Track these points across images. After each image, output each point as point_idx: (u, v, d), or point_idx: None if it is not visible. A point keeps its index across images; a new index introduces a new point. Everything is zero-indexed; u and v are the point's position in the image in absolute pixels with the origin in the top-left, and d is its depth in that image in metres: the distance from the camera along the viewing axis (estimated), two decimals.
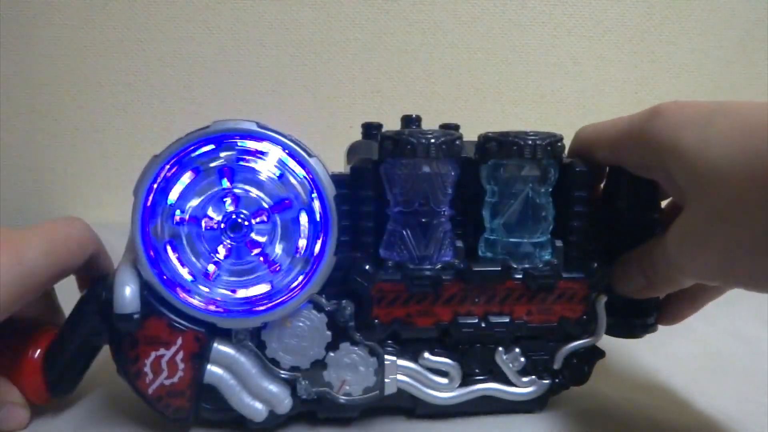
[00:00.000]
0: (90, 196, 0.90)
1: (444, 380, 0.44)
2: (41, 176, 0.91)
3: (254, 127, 0.40)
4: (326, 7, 0.87)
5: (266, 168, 0.40)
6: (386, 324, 0.43)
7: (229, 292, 0.41)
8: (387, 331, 0.42)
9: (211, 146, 0.40)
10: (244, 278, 0.41)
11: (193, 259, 0.40)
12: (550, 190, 0.46)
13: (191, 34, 0.86)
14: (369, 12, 0.87)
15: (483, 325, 0.44)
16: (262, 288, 0.41)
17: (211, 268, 0.41)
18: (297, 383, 0.43)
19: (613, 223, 0.46)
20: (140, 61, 0.85)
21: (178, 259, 0.40)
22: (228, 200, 0.40)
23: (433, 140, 0.43)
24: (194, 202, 0.40)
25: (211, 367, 0.42)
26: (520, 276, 0.44)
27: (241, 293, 0.41)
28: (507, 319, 0.44)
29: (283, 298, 0.41)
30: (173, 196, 0.40)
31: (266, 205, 0.41)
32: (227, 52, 0.86)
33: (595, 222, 0.46)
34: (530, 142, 0.43)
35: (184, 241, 0.40)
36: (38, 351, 0.41)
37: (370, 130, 0.52)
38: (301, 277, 0.41)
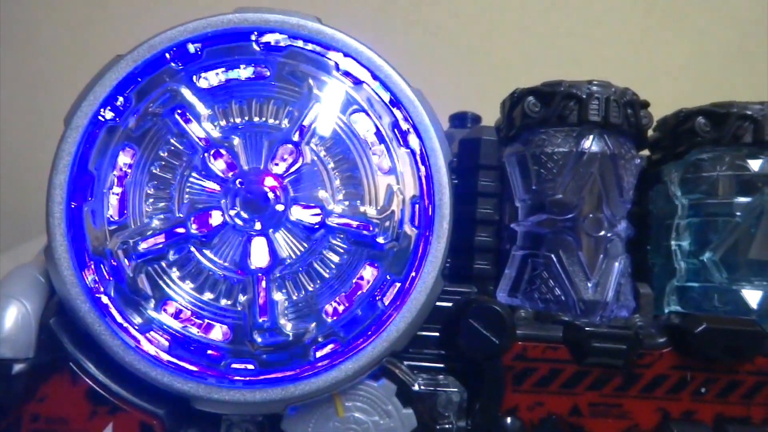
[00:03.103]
0: None
1: None
2: (41, 176, 0.85)
3: (314, 24, 0.21)
4: (326, 8, 0.83)
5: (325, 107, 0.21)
6: (532, 426, 0.22)
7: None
8: None
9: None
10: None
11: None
12: None
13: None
14: (369, 12, 0.84)
15: None
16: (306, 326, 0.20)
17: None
18: None
19: None
20: None
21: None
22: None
23: (613, 97, 0.24)
24: None
25: None
26: None
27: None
28: None
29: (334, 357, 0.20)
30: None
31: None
32: None
33: None
34: None
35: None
36: None
37: (464, 121, 0.34)
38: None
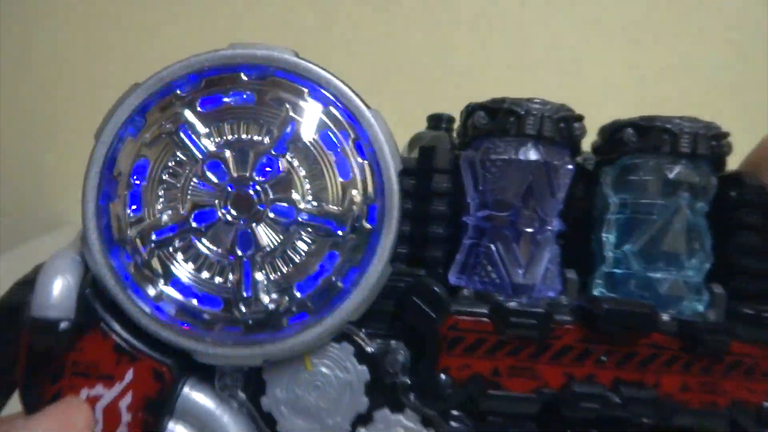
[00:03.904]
0: None
1: None
2: (41, 176, 0.88)
3: (290, 57, 0.26)
4: (326, 8, 0.85)
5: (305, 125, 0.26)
6: (459, 382, 0.27)
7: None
8: (459, 395, 0.27)
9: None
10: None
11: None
12: (706, 210, 0.31)
13: (192, 33, 0.84)
14: (369, 12, 0.86)
15: (613, 399, 0.27)
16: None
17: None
18: None
19: None
20: (140, 61, 0.86)
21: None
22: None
23: (548, 113, 0.29)
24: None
25: (176, 427, 0.25)
26: (674, 328, 0.28)
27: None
28: (652, 394, 0.27)
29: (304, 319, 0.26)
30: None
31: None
32: None
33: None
34: (688, 130, 0.29)
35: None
36: None
37: (439, 122, 0.38)
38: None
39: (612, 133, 0.32)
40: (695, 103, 0.88)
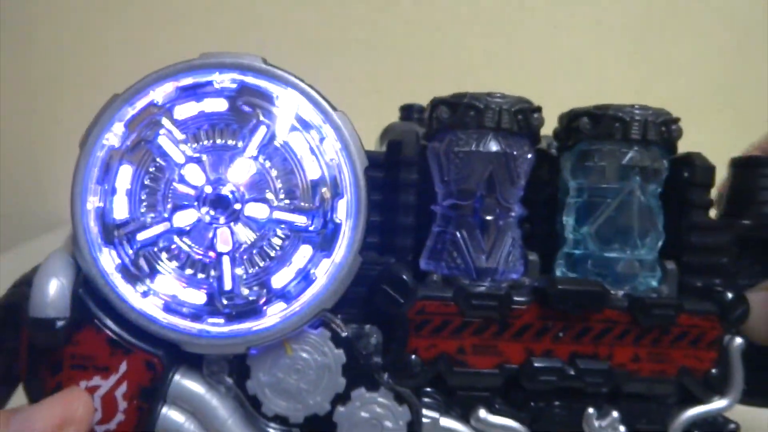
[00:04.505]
0: None
1: None
2: (41, 176, 0.89)
3: (259, 64, 0.28)
4: (326, 8, 0.86)
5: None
6: (428, 361, 0.30)
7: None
8: (428, 373, 0.29)
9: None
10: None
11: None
12: (659, 191, 0.33)
13: (192, 34, 0.85)
14: (369, 12, 0.87)
15: (569, 371, 0.30)
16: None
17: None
18: None
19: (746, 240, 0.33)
20: (140, 62, 0.83)
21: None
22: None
23: (506, 106, 0.30)
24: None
25: (168, 412, 0.28)
26: (625, 304, 0.30)
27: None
28: (604, 366, 0.30)
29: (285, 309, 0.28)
30: None
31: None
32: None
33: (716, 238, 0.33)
34: (638, 117, 0.31)
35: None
36: None
37: (411, 113, 0.40)
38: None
39: (569, 121, 0.34)
40: (695, 102, 0.87)
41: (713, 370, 0.31)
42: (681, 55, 0.90)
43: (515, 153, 0.32)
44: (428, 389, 0.31)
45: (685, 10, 0.89)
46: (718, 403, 0.32)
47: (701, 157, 0.34)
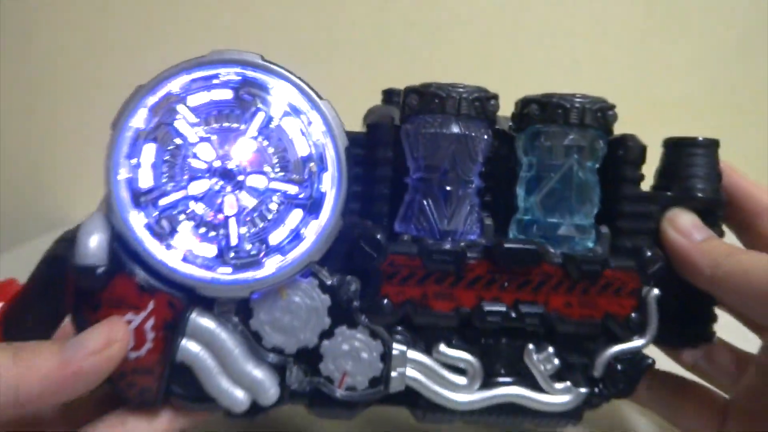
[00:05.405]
0: (90, 196, 0.91)
1: (462, 380, 0.36)
2: (41, 176, 0.89)
3: (258, 60, 0.34)
4: (326, 8, 0.87)
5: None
6: (397, 305, 0.36)
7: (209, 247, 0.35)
8: (397, 314, 0.35)
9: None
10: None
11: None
12: (597, 166, 0.39)
13: (192, 34, 0.85)
14: (369, 12, 0.87)
15: (512, 314, 0.37)
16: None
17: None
18: (287, 370, 0.36)
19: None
20: (140, 62, 0.86)
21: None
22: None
23: (465, 95, 0.36)
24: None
25: (187, 343, 0.35)
26: (559, 260, 0.37)
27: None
28: (540, 310, 0.37)
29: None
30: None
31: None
32: None
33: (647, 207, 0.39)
34: (578, 105, 0.37)
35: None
36: None
37: (392, 96, 0.46)
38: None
39: (522, 107, 0.40)
40: (695, 102, 0.88)
41: (633, 315, 0.38)
42: (681, 55, 0.90)
43: (473, 135, 0.38)
44: (398, 327, 0.38)
45: (685, 10, 0.89)
46: (636, 342, 0.38)
47: (634, 138, 0.40)
